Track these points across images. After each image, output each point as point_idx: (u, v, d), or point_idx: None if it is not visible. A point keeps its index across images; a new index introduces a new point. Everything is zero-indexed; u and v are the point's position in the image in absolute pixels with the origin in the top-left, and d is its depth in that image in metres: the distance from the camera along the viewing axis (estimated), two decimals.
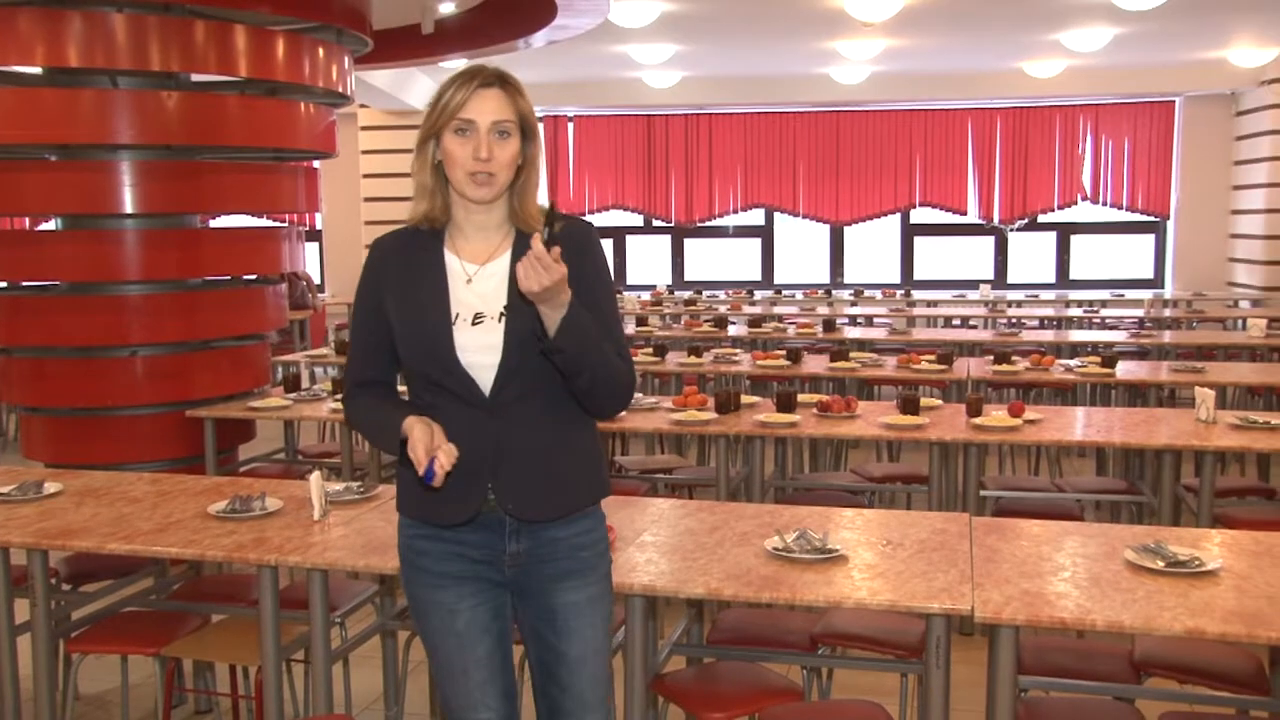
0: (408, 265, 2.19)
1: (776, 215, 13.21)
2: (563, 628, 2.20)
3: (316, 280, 13.34)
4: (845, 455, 6.83)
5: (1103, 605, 2.39)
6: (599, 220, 13.48)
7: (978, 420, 4.56)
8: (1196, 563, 2.60)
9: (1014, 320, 9.65)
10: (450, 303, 2.15)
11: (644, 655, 2.69)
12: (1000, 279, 12.89)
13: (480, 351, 2.13)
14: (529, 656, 2.27)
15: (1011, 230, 12.83)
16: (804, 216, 12.99)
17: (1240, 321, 8.89)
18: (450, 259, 2.18)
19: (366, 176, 12.78)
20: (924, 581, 2.53)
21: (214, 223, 7.33)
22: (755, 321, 8.83)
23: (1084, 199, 12.56)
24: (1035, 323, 9.72)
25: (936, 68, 11.13)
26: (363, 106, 12.25)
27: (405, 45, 7.97)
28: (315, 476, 3.20)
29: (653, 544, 2.85)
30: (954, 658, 2.61)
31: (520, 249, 2.11)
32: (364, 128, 12.66)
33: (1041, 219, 12.77)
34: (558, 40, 8.46)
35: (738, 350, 7.18)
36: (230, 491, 3.42)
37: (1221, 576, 2.55)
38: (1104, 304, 10.93)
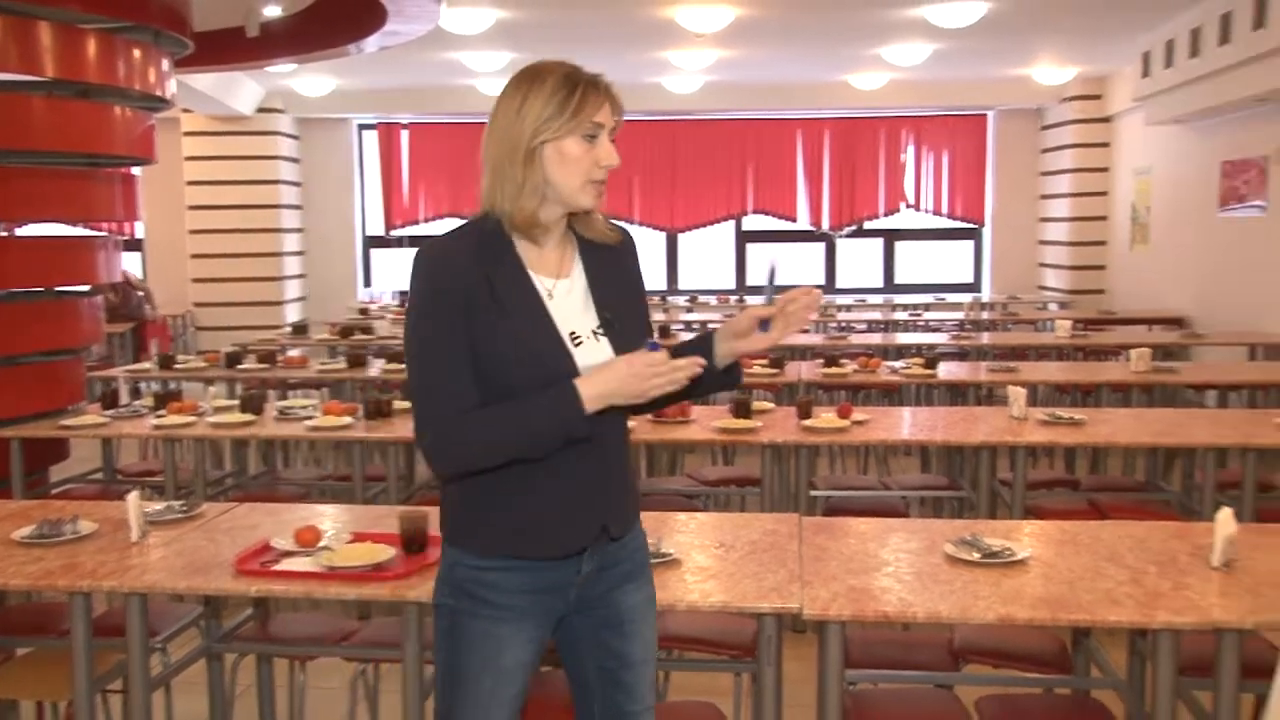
0: (494, 279, 1.98)
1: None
2: (629, 631, 2.15)
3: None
4: (681, 460, 6.93)
5: (923, 597, 2.49)
6: (435, 229, 13.33)
7: (808, 422, 4.69)
8: (1008, 553, 2.73)
9: (843, 324, 9.96)
10: (556, 322, 2.01)
11: None
12: (830, 284, 13.30)
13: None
14: (587, 670, 2.17)
15: (840, 236, 13.26)
16: (640, 224, 13.13)
17: (1050, 323, 9.39)
18: (532, 275, 2.04)
19: (191, 184, 12.32)
20: (755, 582, 2.59)
21: (23, 231, 6.94)
22: None
23: (907, 206, 13.08)
24: (863, 326, 10.04)
25: (767, 79, 11.42)
26: (186, 111, 11.81)
27: (230, 48, 7.73)
28: (133, 496, 3.06)
29: None
30: (786, 655, 2.68)
31: (590, 259, 2.10)
32: (188, 133, 12.21)
33: (868, 226, 13.23)
34: (390, 46, 8.34)
35: None
36: (38, 515, 3.23)
37: (1030, 565, 2.69)
38: (927, 307, 11.38)
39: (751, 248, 13.45)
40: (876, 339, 8.60)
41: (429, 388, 1.98)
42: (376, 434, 4.72)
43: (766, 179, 13.08)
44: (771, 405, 5.24)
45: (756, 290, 2.32)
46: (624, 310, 2.11)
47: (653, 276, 13.36)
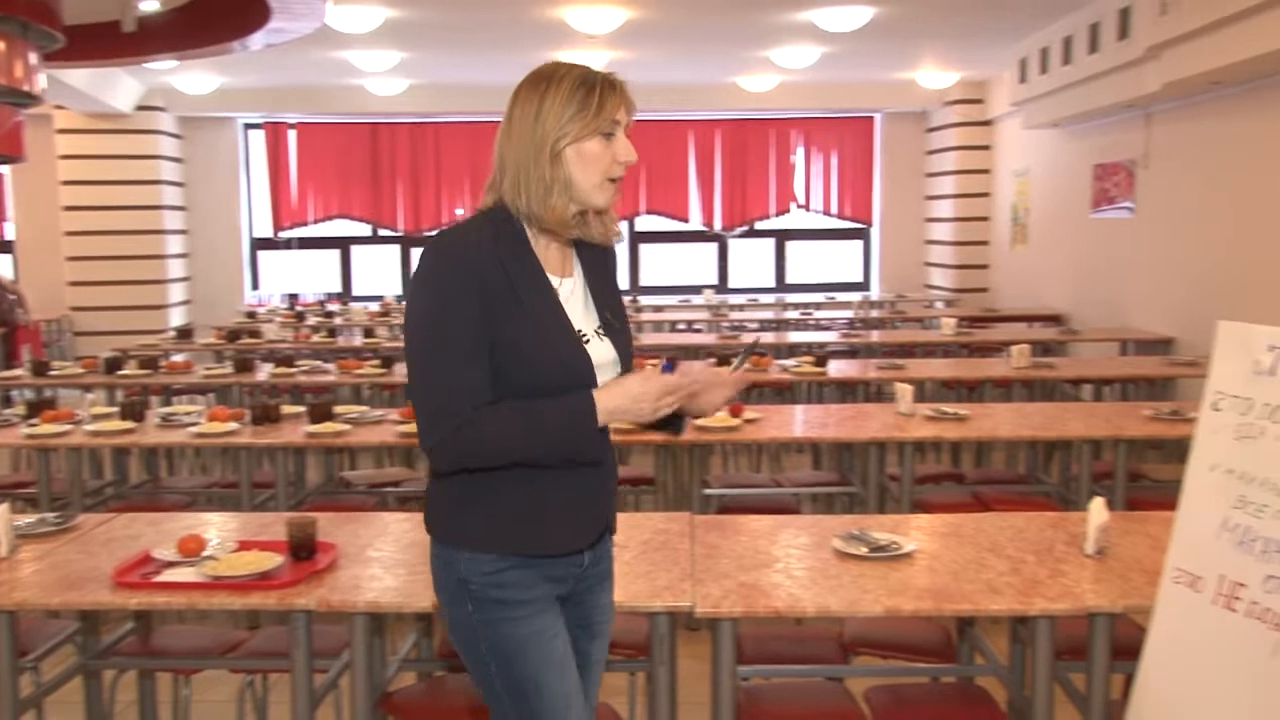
0: (510, 269, 1.98)
1: None
2: (596, 630, 2.18)
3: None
4: None
5: (813, 592, 2.53)
6: (323, 230, 13.10)
7: (700, 422, 4.72)
8: (895, 546, 2.80)
9: (736, 323, 10.06)
10: (569, 318, 2.03)
11: (369, 675, 2.63)
12: (723, 284, 13.44)
13: (600, 370, 2.03)
14: None
15: (732, 237, 13.41)
16: None
17: (936, 321, 9.63)
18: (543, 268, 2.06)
19: (66, 184, 11.88)
20: (647, 582, 2.60)
21: None
22: None
23: (798, 207, 13.28)
24: (756, 325, 10.16)
25: (659, 80, 11.48)
26: (59, 108, 11.39)
27: (105, 43, 7.48)
28: (2, 510, 2.94)
29: (378, 559, 2.79)
30: (680, 653, 2.70)
31: (585, 259, 2.10)
32: (61, 131, 11.78)
33: (759, 226, 13.40)
34: (275, 44, 8.17)
35: None
36: None
37: (916, 558, 2.76)
38: (818, 306, 11.59)
39: (645, 248, 13.52)
40: (769, 338, 8.70)
41: (445, 379, 1.92)
42: (264, 439, 4.62)
43: (659, 180, 13.15)
44: None
45: (733, 355, 2.36)
46: (618, 311, 2.14)
47: None
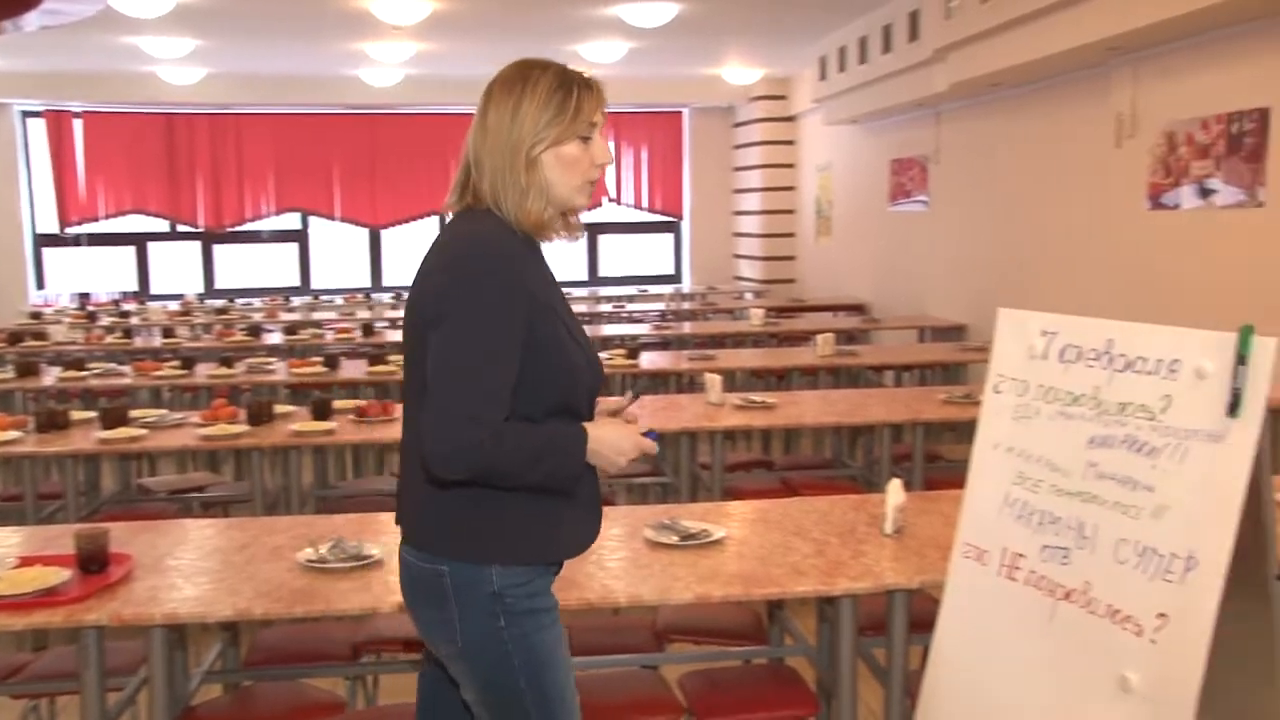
0: (542, 282, 2.00)
1: (312, 219, 12.87)
2: None
3: None
4: (388, 459, 6.79)
5: (624, 582, 2.56)
6: (116, 226, 12.43)
7: None
8: (705, 534, 2.86)
9: None
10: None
11: (168, 690, 2.52)
12: None
13: None
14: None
15: None
16: (341, 220, 12.77)
17: (745, 312, 9.86)
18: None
19: None
20: None
21: None
22: (292, 329, 8.54)
23: (609, 201, 13.38)
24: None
25: (468, 73, 11.33)
26: None
27: None
28: None
29: (176, 568, 2.67)
30: None
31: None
32: None
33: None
34: (53, 26, 7.68)
35: (273, 359, 6.92)
36: None
37: (726, 544, 2.82)
38: (630, 299, 11.71)
39: None
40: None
41: (483, 385, 1.85)
42: (51, 448, 4.35)
43: None
44: None
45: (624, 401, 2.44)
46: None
47: (357, 274, 13.03)
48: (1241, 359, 1.86)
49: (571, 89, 1.98)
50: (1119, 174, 6.40)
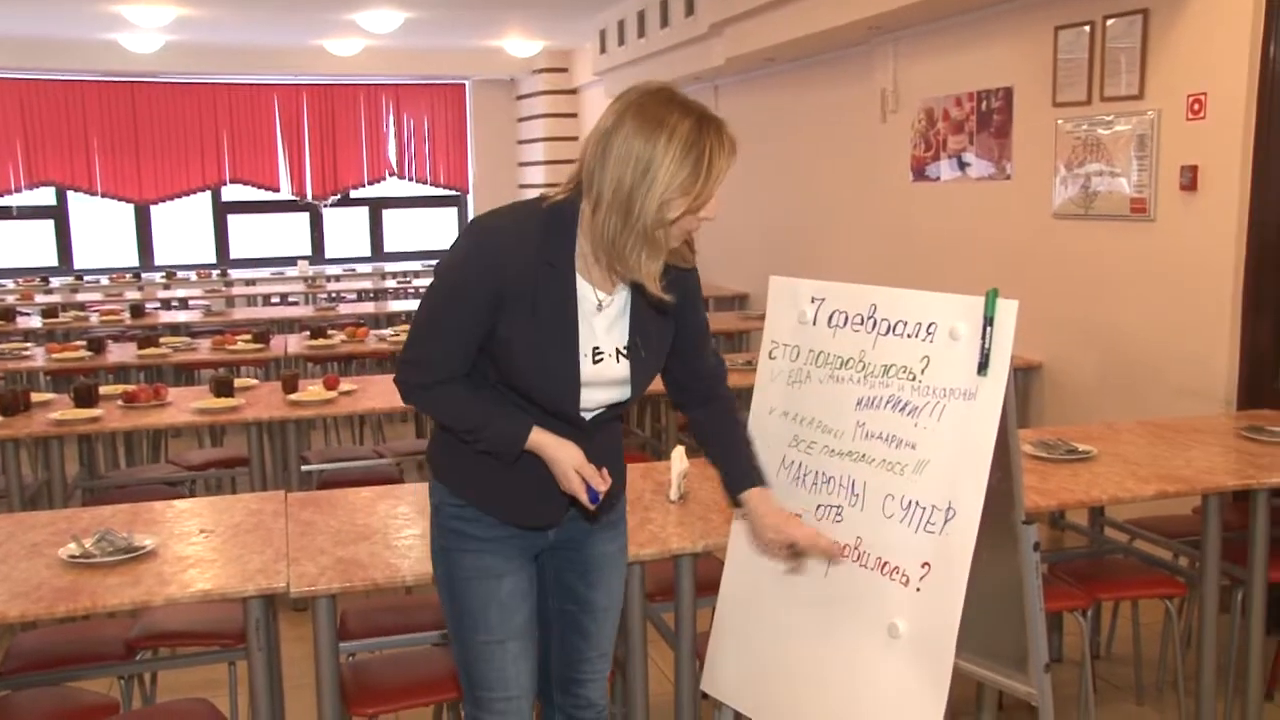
0: (537, 275, 1.94)
1: (71, 194, 12.05)
2: (594, 579, 2.21)
3: None
4: (166, 445, 6.48)
5: (409, 561, 2.53)
6: None
7: (294, 396, 4.57)
8: None
9: (333, 295, 9.80)
10: (580, 336, 2.00)
11: None
12: (318, 254, 13.02)
13: (600, 389, 2.05)
14: (549, 607, 2.24)
15: (325, 206, 12.99)
16: (103, 195, 12.01)
17: None
18: (582, 284, 1.99)
19: None
20: (239, 566, 2.49)
21: None
22: (51, 311, 8.01)
23: (391, 175, 13.09)
24: (354, 296, 9.95)
25: (237, 41, 10.85)
26: None
27: None
28: None
29: None
30: (289, 635, 2.62)
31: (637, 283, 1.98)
32: None
33: (354, 194, 13.08)
34: None
35: (30, 344, 6.47)
36: None
37: None
38: (416, 274, 11.52)
39: (234, 219, 12.79)
40: (368, 308, 8.56)
41: (433, 344, 2.00)
42: None
43: (244, 147, 12.48)
44: (256, 381, 5.06)
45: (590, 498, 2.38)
46: (655, 338, 2.10)
47: (124, 253, 12.29)
48: (989, 320, 1.99)
49: (705, 151, 1.86)
50: (885, 147, 6.73)
